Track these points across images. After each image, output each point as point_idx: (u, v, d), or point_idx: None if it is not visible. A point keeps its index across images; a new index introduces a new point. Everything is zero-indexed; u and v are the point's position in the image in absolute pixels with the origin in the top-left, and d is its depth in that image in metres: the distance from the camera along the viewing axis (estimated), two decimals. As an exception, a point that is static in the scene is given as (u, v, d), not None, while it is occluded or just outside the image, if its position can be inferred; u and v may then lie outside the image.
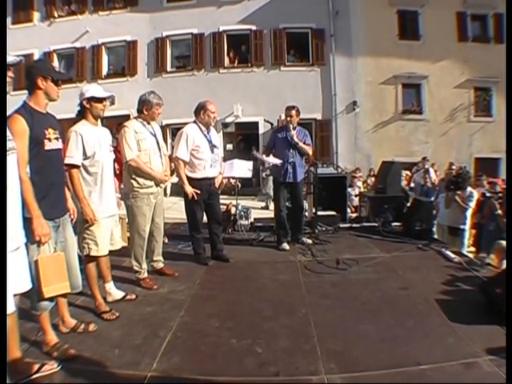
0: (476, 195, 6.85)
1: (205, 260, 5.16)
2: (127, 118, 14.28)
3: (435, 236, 6.72)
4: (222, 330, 3.35)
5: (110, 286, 3.94)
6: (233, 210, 6.95)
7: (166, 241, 5.73)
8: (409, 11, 17.68)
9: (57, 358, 2.84)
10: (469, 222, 6.75)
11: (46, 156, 2.84)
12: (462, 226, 6.69)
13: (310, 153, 6.00)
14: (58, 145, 2.97)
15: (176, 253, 5.60)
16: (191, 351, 3.05)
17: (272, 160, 5.70)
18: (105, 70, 18.87)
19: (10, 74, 2.31)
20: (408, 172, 12.93)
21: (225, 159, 5.97)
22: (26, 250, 2.55)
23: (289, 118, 5.75)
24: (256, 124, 17.39)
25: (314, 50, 17.60)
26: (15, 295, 2.38)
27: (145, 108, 4.25)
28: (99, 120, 3.65)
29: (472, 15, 17.71)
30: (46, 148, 2.83)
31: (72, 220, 3.29)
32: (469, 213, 6.65)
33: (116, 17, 18.37)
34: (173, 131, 16.47)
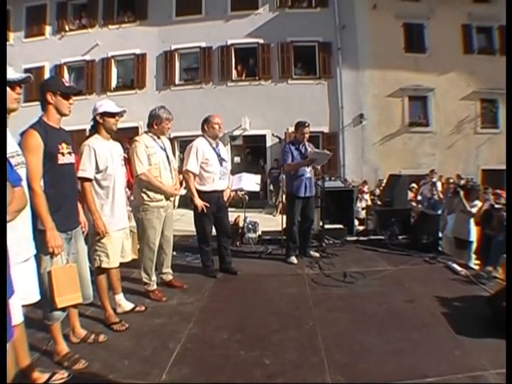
0: (479, 204, 6.89)
1: (213, 272, 5.20)
2: (136, 130, 14.49)
3: (442, 249, 6.71)
4: (230, 342, 3.38)
5: (120, 297, 3.99)
6: (241, 223, 7.00)
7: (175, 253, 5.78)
8: (415, 24, 17.76)
9: (67, 368, 2.89)
10: (475, 233, 6.78)
11: (59, 170, 2.90)
12: (469, 239, 6.71)
13: (319, 167, 6.08)
14: (71, 159, 3.04)
15: (184, 265, 5.66)
16: (200, 363, 3.07)
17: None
18: (114, 83, 19.05)
19: (18, 90, 2.32)
20: (415, 185, 12.90)
21: (232, 172, 6.00)
22: (35, 262, 2.57)
23: (306, 135, 5.85)
24: (264, 137, 17.47)
25: (321, 63, 17.69)
26: (24, 306, 2.41)
27: (155, 123, 4.33)
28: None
29: (477, 27, 17.79)
30: (60, 162, 2.90)
31: (84, 232, 3.35)
32: (472, 223, 6.68)
33: (125, 30, 18.61)
34: (181, 143, 16.56)
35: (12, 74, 2.27)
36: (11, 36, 18.89)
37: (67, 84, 3.01)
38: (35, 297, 2.54)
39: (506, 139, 4.01)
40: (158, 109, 4.39)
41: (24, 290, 2.35)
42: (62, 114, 2.97)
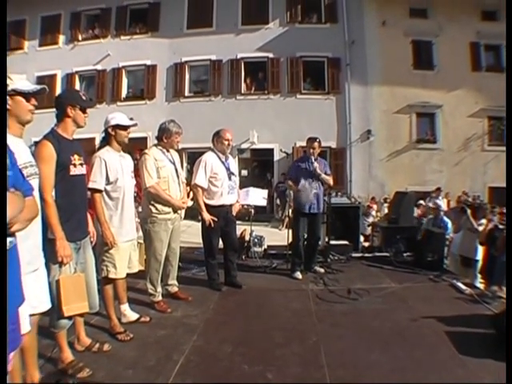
0: (485, 222, 6.87)
1: (218, 286, 5.22)
2: (144, 140, 14.59)
3: (447, 267, 6.69)
4: (234, 356, 3.39)
5: (125, 307, 4.02)
6: (247, 237, 7.02)
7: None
8: (423, 41, 17.86)
9: (71, 376, 2.92)
10: (481, 252, 6.75)
11: (70, 181, 2.96)
12: (475, 257, 6.68)
13: (331, 183, 6.13)
14: (83, 170, 3.09)
15: (190, 277, 5.68)
16: (203, 375, 3.09)
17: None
18: (124, 93, 19.23)
19: (33, 101, 2.35)
20: (422, 202, 12.86)
21: (239, 185, 6.03)
22: (45, 272, 2.61)
23: (312, 150, 5.87)
24: (271, 151, 17.52)
25: (329, 78, 17.76)
26: (33, 315, 2.42)
27: (164, 136, 4.39)
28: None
29: (485, 45, 17.84)
30: (71, 173, 2.96)
31: (92, 242, 3.40)
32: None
33: (137, 41, 18.82)
34: (189, 155, 16.67)
35: (27, 85, 2.31)
36: (26, 44, 19.22)
37: (84, 97, 3.08)
38: (46, 305, 2.57)
39: (506, 157, 4.02)
40: (167, 122, 4.44)
41: (35, 299, 2.38)
42: (79, 126, 3.05)
